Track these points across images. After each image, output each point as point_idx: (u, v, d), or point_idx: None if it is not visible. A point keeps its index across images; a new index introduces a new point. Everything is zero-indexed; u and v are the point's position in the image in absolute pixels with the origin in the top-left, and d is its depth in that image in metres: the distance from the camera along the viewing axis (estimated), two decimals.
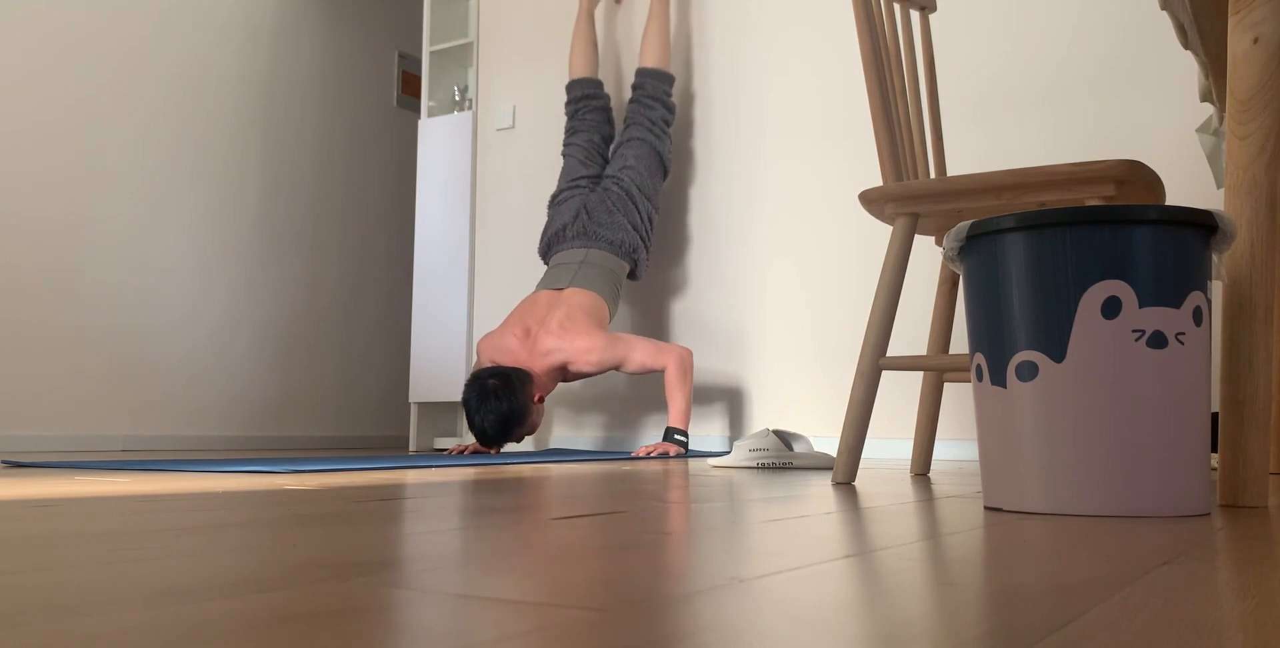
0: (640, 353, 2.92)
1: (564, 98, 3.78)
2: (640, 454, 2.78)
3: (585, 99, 3.47)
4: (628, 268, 3.23)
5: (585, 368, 2.96)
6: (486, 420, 2.80)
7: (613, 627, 0.42)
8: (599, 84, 3.51)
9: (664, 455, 2.80)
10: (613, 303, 3.13)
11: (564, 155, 3.42)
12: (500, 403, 2.79)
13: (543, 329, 2.97)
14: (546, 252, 3.28)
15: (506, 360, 2.99)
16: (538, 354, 2.95)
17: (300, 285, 4.26)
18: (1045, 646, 0.39)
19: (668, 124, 3.36)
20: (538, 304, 3.07)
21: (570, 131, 3.45)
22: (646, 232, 3.23)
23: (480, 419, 2.81)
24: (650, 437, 3.46)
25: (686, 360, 2.93)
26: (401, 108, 4.76)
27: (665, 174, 3.35)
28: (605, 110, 3.49)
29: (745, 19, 3.45)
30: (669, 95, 3.39)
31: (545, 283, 3.14)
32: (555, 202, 3.33)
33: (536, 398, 2.94)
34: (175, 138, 3.82)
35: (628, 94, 3.66)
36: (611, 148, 3.43)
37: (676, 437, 2.90)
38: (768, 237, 3.31)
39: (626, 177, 3.23)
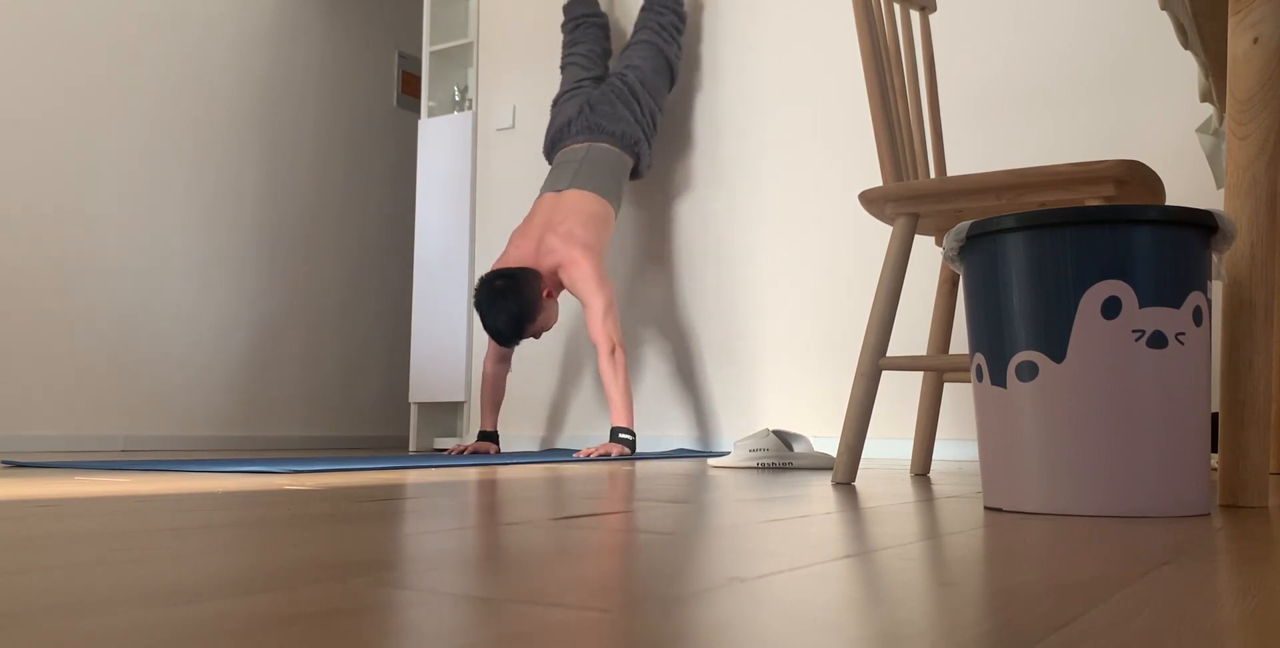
0: (599, 311, 2.85)
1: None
2: (581, 456, 2.65)
3: (584, 17, 3.49)
4: (631, 163, 3.22)
5: (565, 277, 2.93)
6: (499, 321, 2.85)
7: (613, 627, 0.42)
8: (595, 2, 3.54)
9: (605, 457, 2.65)
10: (615, 200, 3.13)
11: (564, 67, 3.41)
12: (508, 302, 2.82)
13: (550, 231, 2.97)
14: (551, 149, 3.28)
15: (514, 263, 2.99)
16: (543, 252, 2.97)
17: (300, 285, 4.25)
18: (1045, 646, 0.39)
19: (678, 30, 3.36)
20: (540, 208, 3.07)
21: (569, 44, 3.45)
22: (649, 126, 3.23)
23: (492, 320, 2.85)
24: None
25: (618, 352, 2.84)
26: (401, 108, 4.76)
27: (672, 80, 3.35)
28: (604, 27, 3.50)
29: (749, 18, 3.45)
30: (681, 4, 3.40)
31: (547, 184, 3.14)
32: (558, 102, 3.32)
33: (545, 293, 2.93)
34: (174, 137, 3.81)
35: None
36: (618, 52, 3.44)
37: (621, 436, 2.78)
38: (767, 236, 3.31)
39: (631, 74, 3.24)
